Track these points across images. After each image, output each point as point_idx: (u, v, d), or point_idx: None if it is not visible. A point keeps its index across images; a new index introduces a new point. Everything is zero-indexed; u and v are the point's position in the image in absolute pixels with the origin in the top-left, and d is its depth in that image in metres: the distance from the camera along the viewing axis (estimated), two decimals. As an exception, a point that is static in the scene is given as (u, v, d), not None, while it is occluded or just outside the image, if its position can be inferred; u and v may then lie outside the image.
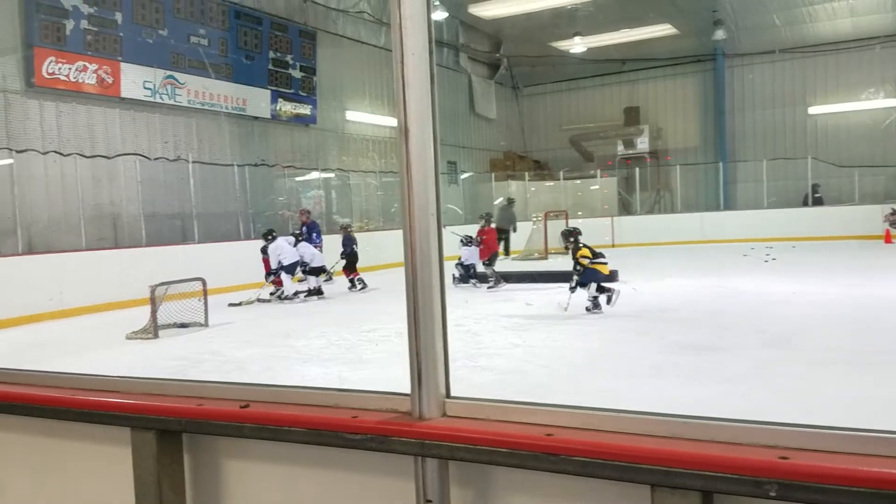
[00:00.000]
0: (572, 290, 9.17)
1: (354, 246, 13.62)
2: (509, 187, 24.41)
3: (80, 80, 13.02)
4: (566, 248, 9.71)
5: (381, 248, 16.30)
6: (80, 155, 12.88)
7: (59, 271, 11.15)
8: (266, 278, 12.32)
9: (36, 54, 12.27)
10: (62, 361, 7.72)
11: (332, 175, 19.21)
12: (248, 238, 14.75)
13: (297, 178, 18.18)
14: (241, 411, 1.66)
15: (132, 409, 1.77)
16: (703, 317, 8.80)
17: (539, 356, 6.91)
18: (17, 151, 11.90)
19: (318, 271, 12.56)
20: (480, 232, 13.20)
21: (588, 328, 8.27)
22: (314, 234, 14.23)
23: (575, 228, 10.09)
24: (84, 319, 10.87)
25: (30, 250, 11.72)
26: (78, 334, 9.87)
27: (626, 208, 24.24)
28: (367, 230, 19.05)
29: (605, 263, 9.27)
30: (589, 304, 9.02)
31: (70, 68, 12.81)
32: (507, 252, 19.53)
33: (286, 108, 17.60)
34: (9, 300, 10.21)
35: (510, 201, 21.02)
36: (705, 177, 24.27)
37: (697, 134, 25.05)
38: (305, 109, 18.17)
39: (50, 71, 12.50)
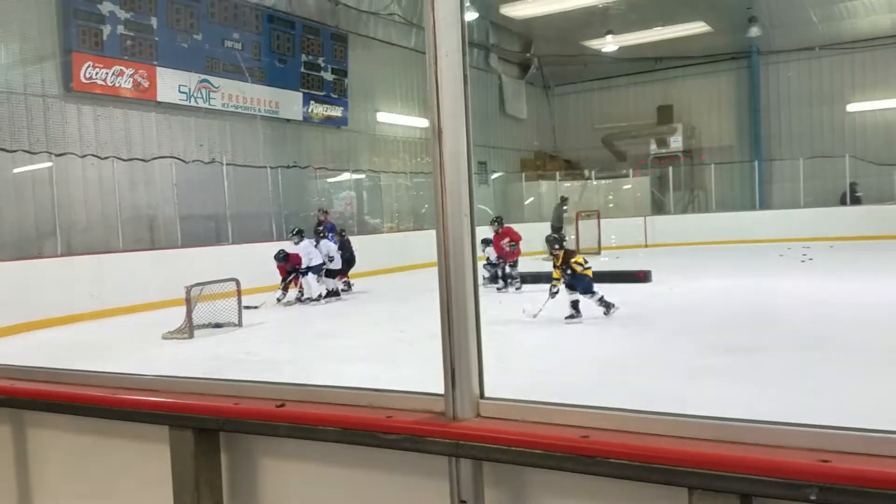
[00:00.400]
0: (553, 295, 8.89)
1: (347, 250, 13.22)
2: (540, 187, 24.28)
3: (117, 85, 13.27)
4: (551, 253, 9.36)
5: (412, 248, 16.37)
6: (118, 158, 13.12)
7: (98, 272, 11.36)
8: (282, 283, 12.08)
9: (74, 60, 12.54)
10: (101, 361, 7.86)
11: (363, 176, 19.32)
12: (280, 239, 14.87)
13: (329, 180, 18.32)
14: (276, 410, 1.68)
15: (170, 408, 1.80)
16: (739, 318, 8.66)
17: (572, 357, 6.87)
18: (56, 155, 12.18)
19: (336, 273, 12.57)
20: (497, 237, 12.56)
21: (622, 330, 8.19)
22: (329, 235, 14.35)
23: (559, 234, 9.87)
24: (121, 319, 11.07)
25: (69, 252, 11.97)
26: (116, 334, 10.06)
27: (659, 208, 23.96)
28: (399, 231, 19.14)
29: (590, 268, 9.06)
30: (602, 308, 8.72)
31: (107, 73, 13.06)
32: None
33: (318, 110, 17.75)
34: (49, 300, 10.44)
35: (563, 200, 20.50)
36: (740, 176, 23.88)
37: (732, 132, 24.68)
38: (337, 111, 18.30)
39: (87, 76, 12.77)
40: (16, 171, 11.83)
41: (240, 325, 9.71)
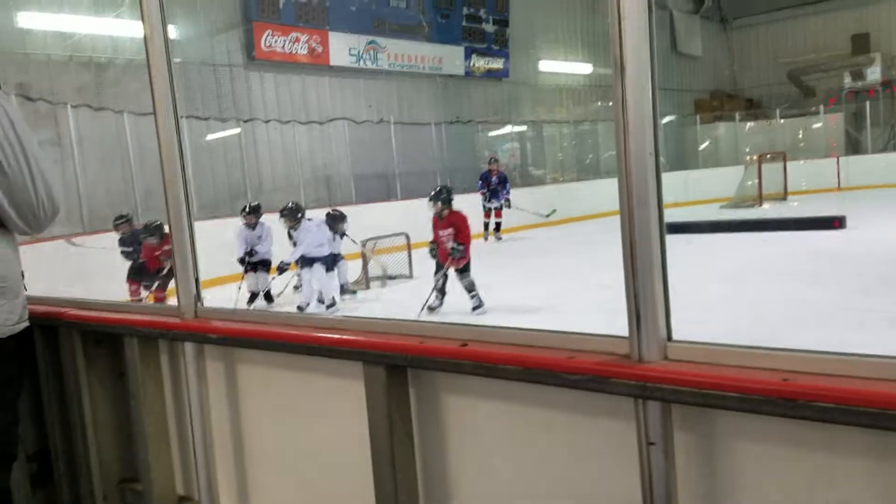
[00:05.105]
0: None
1: None
2: (717, 130, 22.85)
3: (294, 52, 14.02)
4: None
5: (576, 199, 16.09)
6: (297, 122, 13.98)
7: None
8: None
9: (255, 29, 13.37)
10: (293, 306, 8.57)
11: (525, 128, 19.16)
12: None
13: (492, 133, 18.35)
14: (460, 349, 1.74)
15: (364, 346, 1.93)
16: (952, 266, 7.74)
17: (757, 308, 6.49)
18: (244, 121, 13.19)
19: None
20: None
21: (815, 280, 7.60)
22: (506, 187, 14.36)
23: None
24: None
25: (259, 210, 12.99)
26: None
27: (854, 147, 21.73)
28: (563, 181, 18.88)
29: None
30: None
31: (284, 40, 13.83)
32: None
33: (480, 63, 17.74)
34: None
35: None
36: (951, 107, 21.06)
37: (942, 58, 21.73)
38: (498, 63, 18.19)
39: (267, 44, 13.59)
40: (209, 137, 12.94)
41: (411, 276, 10.11)
